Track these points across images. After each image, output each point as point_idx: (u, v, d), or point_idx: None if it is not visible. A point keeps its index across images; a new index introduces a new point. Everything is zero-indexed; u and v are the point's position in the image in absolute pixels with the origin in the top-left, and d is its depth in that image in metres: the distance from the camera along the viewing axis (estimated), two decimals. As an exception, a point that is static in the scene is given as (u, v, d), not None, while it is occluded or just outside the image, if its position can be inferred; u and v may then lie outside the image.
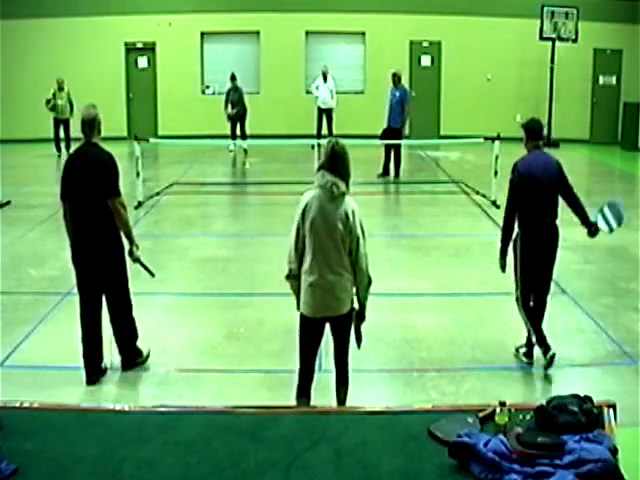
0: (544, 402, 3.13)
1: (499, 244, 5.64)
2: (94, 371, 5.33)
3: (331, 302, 4.25)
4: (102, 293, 5.40)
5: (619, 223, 5.62)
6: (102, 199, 5.17)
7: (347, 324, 4.38)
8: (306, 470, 2.84)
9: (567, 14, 17.66)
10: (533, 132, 5.51)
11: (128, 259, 5.50)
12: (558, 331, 6.40)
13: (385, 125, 13.61)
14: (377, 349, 6.02)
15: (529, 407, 3.17)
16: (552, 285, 7.46)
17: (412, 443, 3.00)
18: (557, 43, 17.77)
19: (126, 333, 5.53)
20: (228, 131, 16.06)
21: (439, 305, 6.82)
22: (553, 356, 5.49)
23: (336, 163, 4.18)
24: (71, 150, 16.15)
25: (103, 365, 5.44)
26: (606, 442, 2.84)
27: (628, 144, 17.89)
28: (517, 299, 5.73)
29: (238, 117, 16.07)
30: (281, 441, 3.02)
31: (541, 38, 17.66)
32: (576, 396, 3.17)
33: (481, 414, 3.16)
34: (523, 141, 5.56)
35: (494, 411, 3.08)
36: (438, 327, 6.41)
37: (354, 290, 4.34)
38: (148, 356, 5.69)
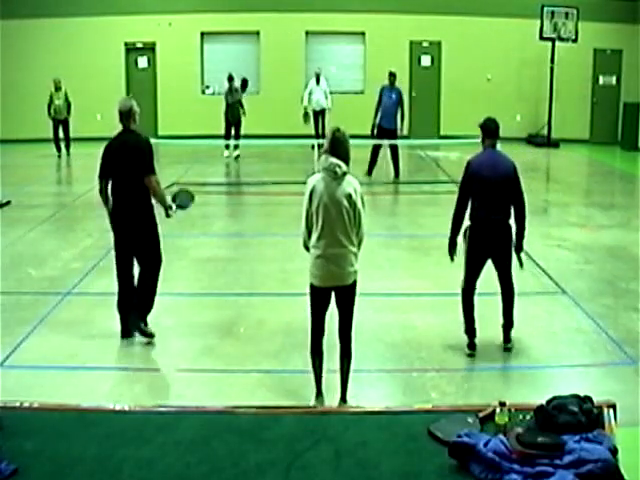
0: (544, 402, 3.13)
1: (448, 235, 5.80)
2: (128, 326, 6.07)
3: (336, 273, 4.65)
4: (134, 256, 6.09)
5: None
6: (139, 178, 5.88)
7: (351, 295, 4.77)
8: (306, 470, 2.84)
9: (567, 14, 17.66)
10: (488, 131, 5.65)
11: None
12: (558, 331, 6.41)
13: (377, 125, 13.29)
14: (377, 349, 6.02)
15: (529, 407, 3.17)
16: (552, 285, 7.55)
17: (412, 443, 3.00)
18: (557, 43, 17.77)
19: (145, 297, 6.10)
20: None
21: (439, 305, 6.82)
22: (471, 355, 5.78)
23: (337, 147, 4.59)
24: (71, 150, 16.35)
25: (149, 331, 6.07)
26: (606, 442, 2.84)
27: (628, 144, 17.89)
28: (462, 289, 5.89)
29: (235, 122, 15.72)
30: (281, 441, 3.02)
31: (541, 38, 17.65)
32: (576, 396, 3.17)
33: (481, 414, 3.16)
34: (480, 139, 5.73)
35: (494, 411, 3.08)
36: (438, 327, 6.41)
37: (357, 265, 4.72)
38: (152, 336, 6.06)
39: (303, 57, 18.89)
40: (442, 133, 18.67)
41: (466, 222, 5.78)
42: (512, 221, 5.74)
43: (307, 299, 4.89)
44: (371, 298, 7.19)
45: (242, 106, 15.83)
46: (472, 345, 5.85)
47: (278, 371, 5.47)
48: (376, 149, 13.41)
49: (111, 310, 6.83)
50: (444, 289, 7.08)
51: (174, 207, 6.26)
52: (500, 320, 5.95)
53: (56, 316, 6.66)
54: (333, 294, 4.79)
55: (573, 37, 17.74)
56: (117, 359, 5.79)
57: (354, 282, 4.75)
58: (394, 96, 13.29)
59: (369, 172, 13.40)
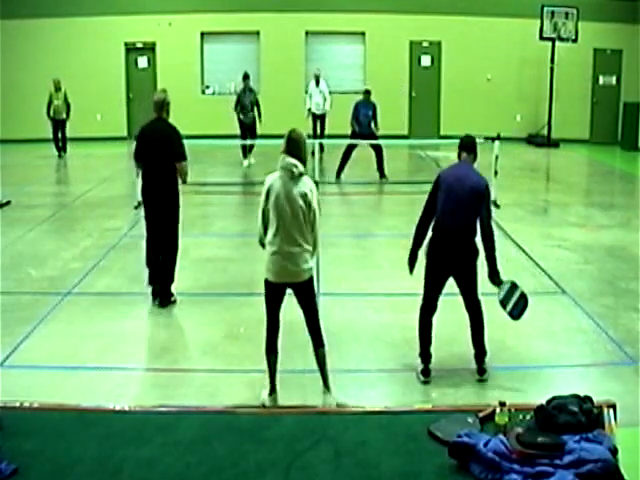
0: (544, 402, 3.13)
1: (409, 248, 5.53)
2: (156, 295, 6.94)
3: (291, 270, 4.78)
4: (158, 230, 6.89)
5: (514, 315, 5.44)
6: (167, 161, 6.67)
7: (308, 291, 4.94)
8: (306, 470, 2.85)
9: (567, 14, 17.66)
10: (461, 144, 5.50)
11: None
12: (558, 331, 6.41)
13: (351, 130, 13.41)
14: (377, 349, 6.02)
15: (529, 407, 3.17)
16: (552, 285, 7.55)
17: (412, 443, 3.01)
18: (557, 43, 17.76)
19: (169, 271, 6.94)
20: (229, 131, 15.96)
21: (439, 305, 6.81)
22: (425, 382, 5.40)
23: (294, 148, 4.79)
24: (67, 150, 16.33)
25: (173, 299, 6.97)
26: (606, 442, 2.84)
27: (628, 144, 17.88)
28: (420, 308, 5.56)
29: (250, 125, 14.61)
30: (281, 441, 3.02)
31: (541, 38, 17.65)
32: (576, 396, 3.17)
33: (481, 414, 3.16)
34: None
35: (494, 411, 3.09)
36: (438, 327, 6.38)
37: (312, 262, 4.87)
38: (175, 302, 6.97)
39: (303, 57, 18.89)
40: (442, 133, 18.65)
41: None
42: (478, 240, 5.35)
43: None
44: (371, 298, 7.21)
45: (259, 107, 14.77)
46: (426, 372, 5.45)
47: (278, 371, 5.47)
48: (347, 153, 13.35)
49: (111, 310, 6.86)
50: (444, 289, 7.07)
51: None
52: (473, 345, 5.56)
53: (56, 316, 6.66)
54: (290, 292, 4.93)
55: (573, 37, 17.74)
56: (117, 359, 5.79)
57: (310, 279, 4.89)
58: (370, 112, 13.33)
59: (338, 175, 13.26)
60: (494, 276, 5.39)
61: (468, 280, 5.40)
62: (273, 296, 4.93)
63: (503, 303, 5.43)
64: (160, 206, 6.80)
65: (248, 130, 14.64)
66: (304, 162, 4.80)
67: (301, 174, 4.75)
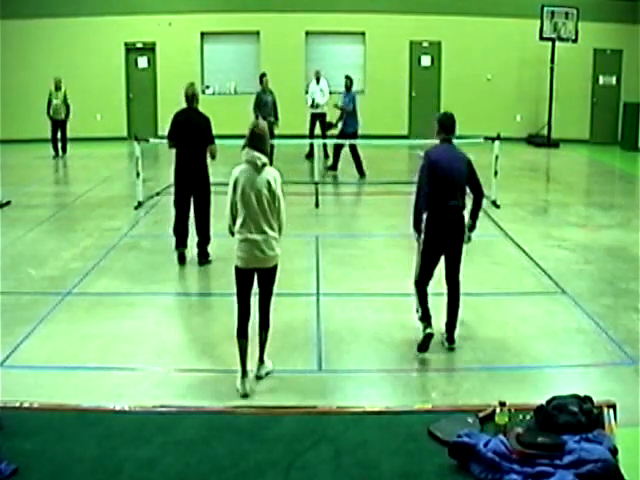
0: (544, 402, 3.13)
1: (411, 226, 5.90)
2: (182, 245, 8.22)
3: (259, 256, 5.07)
4: (191, 201, 8.10)
5: None
6: (199, 144, 7.89)
7: (272, 276, 5.21)
8: (306, 470, 2.85)
9: (567, 14, 17.66)
10: (444, 126, 5.98)
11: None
12: (558, 331, 6.41)
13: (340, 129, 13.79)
14: (377, 349, 6.02)
15: (529, 407, 3.17)
16: (552, 285, 7.55)
17: (412, 443, 3.00)
18: (557, 43, 17.76)
19: (204, 235, 8.10)
20: (229, 131, 15.90)
21: (439, 305, 6.81)
22: (428, 335, 5.78)
23: (257, 141, 5.05)
24: (67, 150, 16.27)
25: (210, 258, 8.15)
26: (606, 442, 2.84)
27: (628, 144, 17.88)
28: (415, 282, 5.97)
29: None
30: (281, 441, 3.02)
31: (541, 38, 17.65)
32: (576, 396, 3.17)
33: (481, 414, 3.16)
34: (435, 131, 6.04)
35: (494, 411, 3.09)
36: (438, 327, 6.40)
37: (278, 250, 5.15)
38: (210, 262, 8.11)
39: (303, 57, 18.89)
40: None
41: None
42: (466, 213, 5.90)
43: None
44: (371, 298, 7.20)
45: (275, 108, 14.38)
46: (429, 337, 5.82)
47: (278, 371, 5.47)
48: (338, 147, 13.93)
49: (111, 310, 6.85)
50: (444, 289, 7.08)
51: None
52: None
53: (56, 316, 6.66)
54: (255, 275, 5.18)
55: (573, 37, 17.74)
56: (117, 359, 5.79)
57: (275, 265, 5.17)
58: (352, 104, 13.60)
59: (334, 167, 13.92)
60: (473, 229, 6.03)
61: (458, 255, 5.89)
62: (243, 282, 5.18)
63: None
64: (194, 179, 7.97)
65: None
66: (267, 154, 5.11)
67: (264, 165, 5.04)
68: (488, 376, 5.54)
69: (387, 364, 5.77)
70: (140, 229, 9.97)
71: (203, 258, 8.10)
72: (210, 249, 8.17)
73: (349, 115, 13.60)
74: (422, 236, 5.81)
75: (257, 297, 5.29)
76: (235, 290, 5.25)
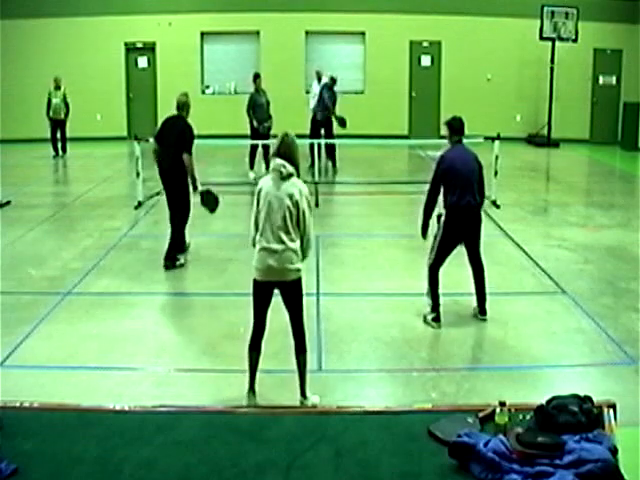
0: (544, 402, 3.13)
1: (420, 221, 6.41)
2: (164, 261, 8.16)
3: (275, 267, 4.80)
4: (169, 203, 8.22)
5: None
6: (179, 151, 7.92)
7: (295, 293, 4.91)
8: (306, 470, 2.85)
9: (567, 14, 17.66)
10: (453, 128, 6.46)
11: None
12: (558, 331, 6.41)
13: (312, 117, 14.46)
14: (377, 349, 6.02)
15: (529, 407, 3.17)
16: (552, 285, 7.56)
17: (412, 443, 3.01)
18: (557, 43, 17.76)
19: (173, 239, 8.12)
20: (228, 131, 15.93)
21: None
22: (435, 318, 6.32)
23: (285, 151, 4.92)
24: (67, 150, 16.29)
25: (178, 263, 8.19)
26: (606, 442, 2.84)
27: (628, 144, 17.88)
28: (429, 266, 6.43)
29: (265, 135, 13.37)
30: (281, 441, 3.02)
31: (541, 38, 17.65)
32: (576, 396, 3.17)
33: (481, 414, 3.16)
34: (447, 135, 6.55)
35: (494, 411, 3.09)
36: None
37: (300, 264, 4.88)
38: (182, 265, 8.20)
39: (303, 57, 18.88)
40: (442, 133, 18.61)
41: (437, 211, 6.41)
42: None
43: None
44: (371, 298, 7.20)
45: (270, 114, 13.86)
46: (438, 318, 6.36)
47: (278, 371, 5.47)
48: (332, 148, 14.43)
49: (111, 310, 6.85)
50: (444, 289, 7.07)
51: (199, 189, 8.08)
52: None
53: (56, 316, 6.66)
54: (277, 291, 4.93)
55: (573, 37, 17.74)
56: (117, 359, 5.79)
57: (298, 280, 4.87)
58: (322, 92, 14.24)
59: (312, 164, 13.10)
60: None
61: (477, 243, 6.44)
62: (260, 296, 4.94)
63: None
64: (170, 183, 8.14)
65: (263, 138, 13.37)
66: (296, 165, 4.91)
67: (290, 174, 4.84)
68: (488, 376, 5.55)
69: (387, 364, 5.77)
70: (140, 229, 9.97)
71: (168, 261, 8.05)
72: (189, 255, 8.43)
73: (319, 104, 14.21)
74: (440, 230, 6.30)
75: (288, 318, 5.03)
76: (252, 304, 5.02)
